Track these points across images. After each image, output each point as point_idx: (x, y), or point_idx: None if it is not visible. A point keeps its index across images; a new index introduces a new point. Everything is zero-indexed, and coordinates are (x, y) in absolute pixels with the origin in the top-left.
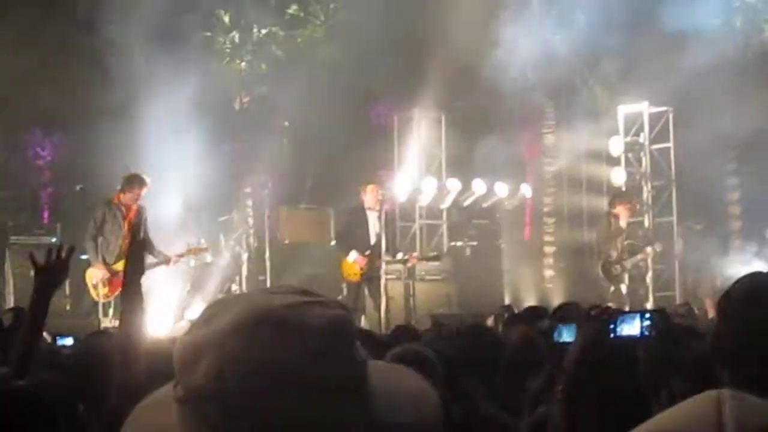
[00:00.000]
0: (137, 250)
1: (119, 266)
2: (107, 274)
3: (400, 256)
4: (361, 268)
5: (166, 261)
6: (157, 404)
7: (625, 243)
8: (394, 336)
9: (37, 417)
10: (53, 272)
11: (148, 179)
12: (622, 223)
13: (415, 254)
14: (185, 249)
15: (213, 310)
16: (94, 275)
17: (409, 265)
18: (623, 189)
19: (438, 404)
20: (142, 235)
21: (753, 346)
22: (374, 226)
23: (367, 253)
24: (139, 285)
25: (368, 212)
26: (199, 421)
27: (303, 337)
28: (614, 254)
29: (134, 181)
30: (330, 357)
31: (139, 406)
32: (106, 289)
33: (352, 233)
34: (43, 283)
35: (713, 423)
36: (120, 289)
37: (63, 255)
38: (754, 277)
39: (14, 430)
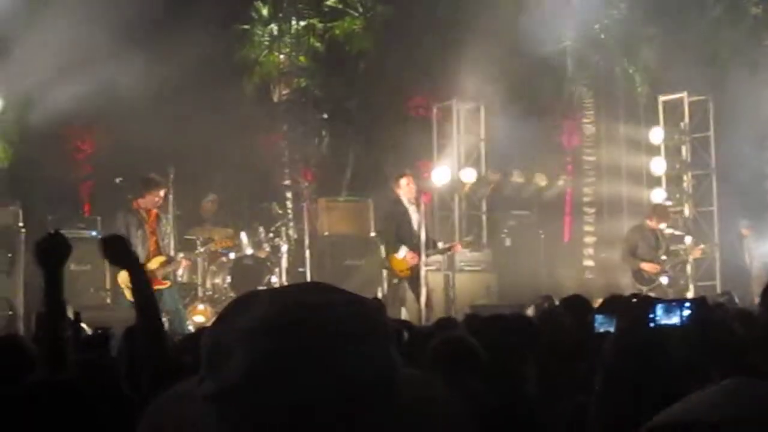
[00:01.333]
0: (120, 247)
1: (150, 265)
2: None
3: (441, 245)
4: (412, 264)
5: (178, 266)
6: (180, 397)
7: (669, 248)
8: (437, 327)
9: (76, 409)
10: (55, 247)
11: (163, 180)
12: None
13: (457, 242)
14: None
15: (240, 306)
16: (127, 278)
17: (453, 252)
18: (663, 179)
19: (464, 417)
20: (162, 239)
21: None
22: (415, 218)
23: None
24: (142, 277)
25: (407, 205)
26: (229, 418)
27: (334, 336)
28: (649, 257)
29: (151, 185)
30: (362, 357)
31: (160, 398)
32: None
33: (398, 228)
34: (49, 262)
35: (730, 410)
36: (155, 287)
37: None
38: None
39: (53, 423)
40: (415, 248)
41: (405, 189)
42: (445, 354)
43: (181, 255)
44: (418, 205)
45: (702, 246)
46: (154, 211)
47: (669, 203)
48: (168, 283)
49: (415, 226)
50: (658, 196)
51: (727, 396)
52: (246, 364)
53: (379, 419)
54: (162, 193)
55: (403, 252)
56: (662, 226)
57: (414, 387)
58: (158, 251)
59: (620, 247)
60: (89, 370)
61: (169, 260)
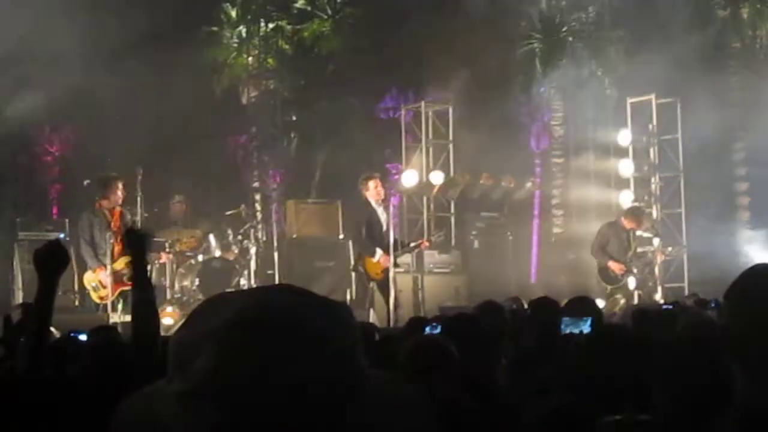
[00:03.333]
0: (137, 241)
1: (116, 265)
2: (110, 276)
3: (410, 244)
4: (386, 266)
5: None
6: (149, 397)
7: (637, 251)
8: (408, 327)
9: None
10: (53, 255)
11: (120, 175)
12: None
13: (425, 239)
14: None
15: (209, 307)
16: (92, 279)
17: (421, 249)
18: (631, 181)
19: (433, 419)
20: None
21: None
22: (383, 219)
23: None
24: (147, 275)
25: (376, 206)
26: (197, 416)
27: (302, 337)
28: (617, 257)
29: (110, 181)
30: (329, 359)
31: (130, 399)
32: (107, 291)
33: (368, 230)
34: (47, 269)
35: None
36: (119, 289)
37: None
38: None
39: (37, 419)
40: (385, 250)
41: (373, 191)
42: (421, 357)
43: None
44: (386, 207)
45: (670, 249)
46: (118, 209)
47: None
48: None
49: (384, 227)
50: (626, 198)
51: None
52: (213, 364)
53: (345, 420)
54: (122, 186)
55: (378, 255)
56: (638, 232)
57: (380, 388)
58: (123, 251)
59: (591, 242)
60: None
61: None
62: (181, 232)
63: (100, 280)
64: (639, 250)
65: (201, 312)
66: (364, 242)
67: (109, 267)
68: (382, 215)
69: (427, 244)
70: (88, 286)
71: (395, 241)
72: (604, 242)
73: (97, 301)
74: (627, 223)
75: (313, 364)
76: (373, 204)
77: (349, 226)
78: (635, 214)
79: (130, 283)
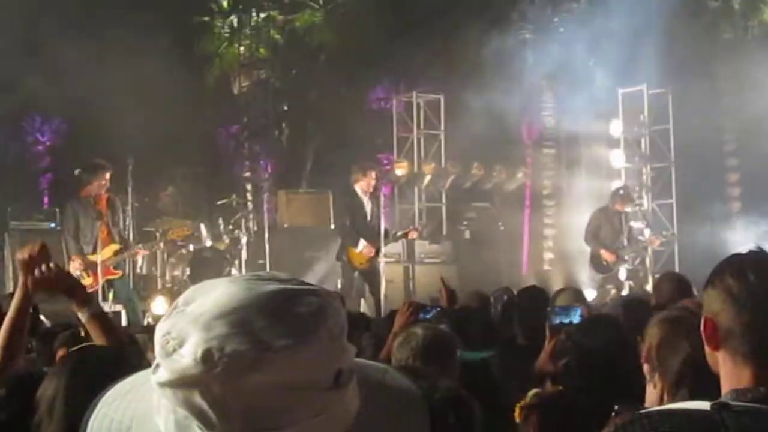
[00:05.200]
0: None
1: (95, 257)
2: (82, 266)
3: (398, 233)
4: (370, 257)
5: (133, 254)
6: (135, 386)
7: (627, 232)
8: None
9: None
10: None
11: (107, 163)
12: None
13: (413, 228)
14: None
15: (195, 294)
16: (72, 268)
17: (409, 238)
18: (622, 172)
19: (424, 406)
20: (116, 224)
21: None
22: (369, 209)
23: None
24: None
25: (362, 196)
26: (183, 404)
27: (290, 324)
28: (608, 244)
29: (96, 169)
30: (316, 348)
31: (111, 392)
32: (91, 279)
33: (353, 220)
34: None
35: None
36: (105, 277)
37: (51, 267)
38: (750, 257)
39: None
40: (370, 240)
41: (363, 183)
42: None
43: (139, 245)
44: (373, 197)
45: (664, 233)
46: (105, 196)
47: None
48: (119, 273)
49: (369, 217)
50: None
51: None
52: (199, 351)
53: (333, 410)
54: (107, 175)
55: (361, 245)
56: (627, 209)
57: (370, 377)
58: (110, 238)
59: (583, 232)
60: None
61: (124, 248)
62: (172, 222)
63: (84, 270)
64: (633, 228)
65: (187, 299)
66: (349, 232)
67: (98, 255)
68: (367, 205)
69: (414, 233)
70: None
71: (384, 230)
72: (597, 228)
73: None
74: (619, 206)
75: (300, 351)
76: (360, 194)
77: (337, 217)
78: (621, 195)
79: (115, 272)
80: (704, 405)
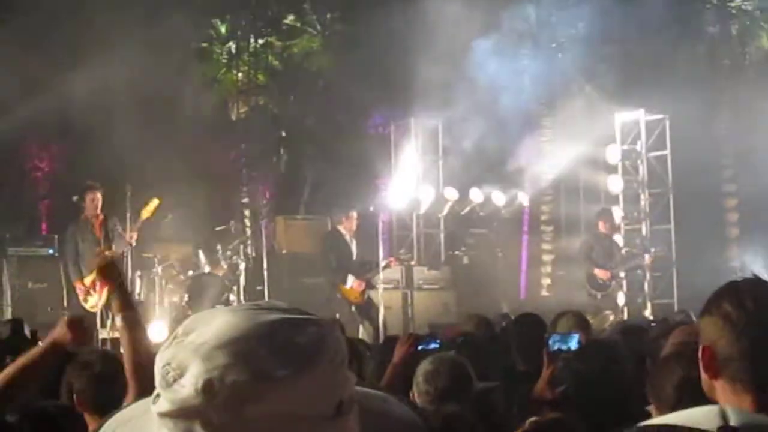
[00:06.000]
0: (109, 271)
1: (88, 279)
2: (82, 288)
3: (382, 264)
4: (361, 291)
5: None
6: (134, 416)
7: (623, 252)
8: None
9: None
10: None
11: (96, 184)
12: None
13: (393, 258)
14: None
15: (195, 323)
16: (79, 291)
17: (390, 266)
18: (620, 197)
19: None
20: (112, 245)
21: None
22: (353, 246)
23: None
24: (128, 297)
25: (346, 235)
26: None
27: (290, 354)
28: (602, 264)
29: (83, 190)
30: (317, 377)
31: (111, 420)
32: (97, 297)
33: (339, 256)
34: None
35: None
36: (105, 291)
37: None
38: (747, 284)
39: None
40: (357, 275)
41: (345, 224)
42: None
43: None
44: (356, 235)
45: (653, 250)
46: (100, 217)
47: (621, 215)
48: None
49: (354, 254)
50: (616, 214)
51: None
52: (200, 381)
53: None
54: (98, 195)
55: (350, 280)
56: (615, 232)
57: (371, 405)
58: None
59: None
60: None
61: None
62: (171, 248)
63: (87, 292)
64: (625, 252)
65: (188, 328)
66: (335, 270)
67: (80, 283)
68: (351, 242)
69: (395, 262)
70: (81, 299)
71: (368, 262)
72: (589, 250)
73: (90, 310)
74: (603, 227)
75: (301, 384)
76: (343, 232)
77: (321, 256)
78: (602, 216)
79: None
80: (703, 412)
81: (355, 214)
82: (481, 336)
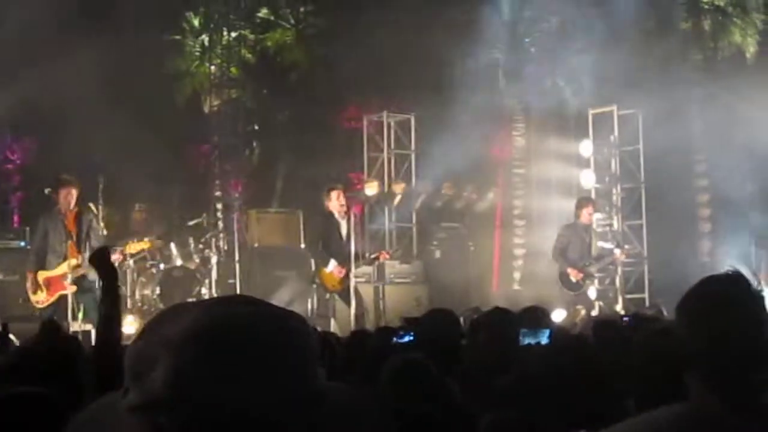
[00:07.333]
0: (103, 256)
1: (56, 271)
2: (33, 281)
3: (368, 255)
4: (340, 277)
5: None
6: (103, 410)
7: (595, 246)
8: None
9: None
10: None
11: (72, 179)
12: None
13: (384, 251)
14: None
15: (166, 317)
16: (29, 283)
17: (380, 260)
18: (593, 192)
19: (388, 429)
20: (89, 239)
21: (725, 350)
22: (344, 230)
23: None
24: (116, 289)
25: (339, 218)
26: (152, 429)
27: (260, 349)
28: (576, 260)
29: (60, 184)
30: (285, 370)
31: (84, 412)
32: (44, 295)
33: (327, 241)
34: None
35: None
36: (57, 293)
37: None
38: (718, 280)
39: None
40: (343, 261)
41: (335, 203)
42: (406, 378)
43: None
44: (348, 218)
45: (627, 247)
46: (74, 211)
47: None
48: (73, 288)
49: (344, 238)
50: (588, 209)
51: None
52: (170, 375)
53: (303, 430)
54: (73, 191)
55: (331, 266)
56: (595, 217)
57: (339, 401)
58: (77, 253)
59: (553, 245)
60: None
61: (82, 264)
62: (142, 241)
63: (38, 286)
64: (600, 244)
65: (157, 322)
66: (319, 254)
67: (59, 268)
68: (343, 227)
69: (386, 255)
70: (28, 291)
71: (356, 252)
72: (565, 245)
73: (35, 305)
74: (585, 217)
75: (269, 376)
76: (336, 216)
77: (309, 238)
78: (585, 202)
79: (70, 287)
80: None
81: (337, 192)
82: (446, 331)
